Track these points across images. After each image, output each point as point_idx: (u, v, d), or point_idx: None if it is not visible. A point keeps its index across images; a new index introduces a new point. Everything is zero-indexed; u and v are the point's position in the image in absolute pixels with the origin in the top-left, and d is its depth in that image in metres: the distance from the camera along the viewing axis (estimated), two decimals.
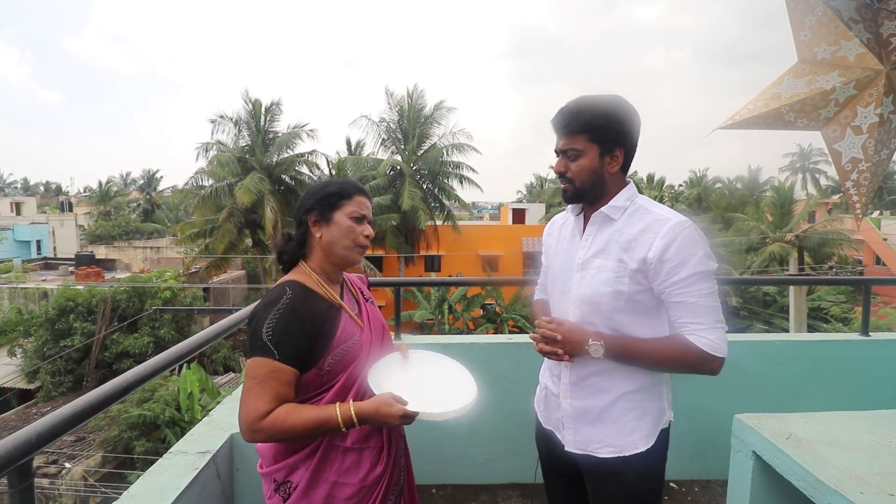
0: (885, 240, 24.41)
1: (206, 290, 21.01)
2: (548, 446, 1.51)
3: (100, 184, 42.08)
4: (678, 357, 1.28)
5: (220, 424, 1.70)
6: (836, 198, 41.89)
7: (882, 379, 2.54)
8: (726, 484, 2.66)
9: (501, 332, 17.98)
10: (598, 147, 1.30)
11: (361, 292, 1.40)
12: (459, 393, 1.30)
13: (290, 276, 1.26)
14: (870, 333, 2.78)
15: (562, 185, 1.38)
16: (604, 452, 1.36)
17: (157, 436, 11.21)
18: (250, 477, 1.66)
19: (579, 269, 1.36)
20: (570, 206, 1.47)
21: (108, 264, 26.52)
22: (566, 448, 1.42)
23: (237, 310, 1.89)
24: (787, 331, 17.55)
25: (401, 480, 1.33)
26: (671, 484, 2.69)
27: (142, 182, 46.75)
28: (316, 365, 1.18)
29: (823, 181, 47.14)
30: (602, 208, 1.34)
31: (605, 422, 1.36)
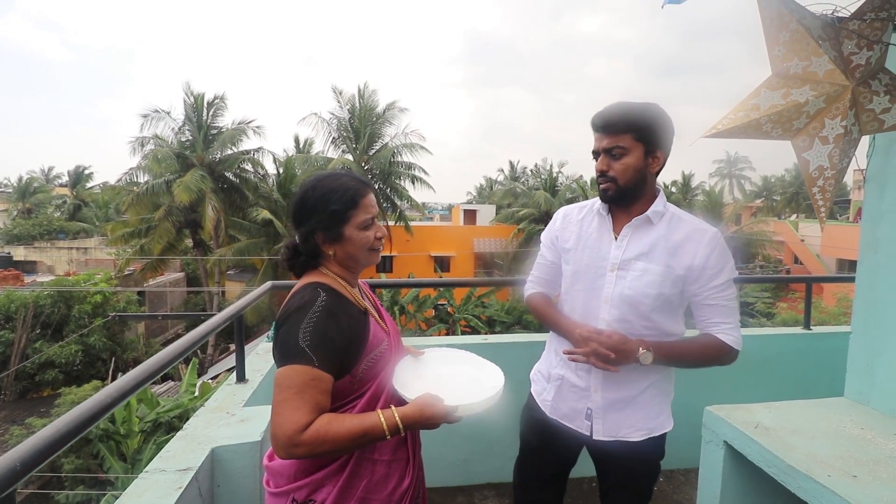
0: (802, 241, 26.67)
1: (140, 293, 19.74)
2: (548, 435, 1.55)
3: (20, 179, 38.46)
4: (713, 354, 1.41)
5: (197, 439, 1.59)
6: (758, 202, 45.33)
7: (823, 368, 2.76)
8: (688, 472, 2.82)
9: (454, 333, 18.06)
10: (643, 146, 1.36)
11: (374, 297, 1.35)
12: (486, 379, 1.28)
13: (314, 277, 1.17)
14: (811, 327, 3.02)
15: (601, 186, 1.41)
16: (636, 436, 1.45)
17: (88, 451, 10.35)
18: (232, 494, 1.57)
19: (615, 268, 1.41)
20: (599, 204, 1.49)
21: (28, 267, 24.31)
22: (595, 437, 1.46)
23: (212, 314, 1.78)
24: None
25: (419, 493, 1.29)
26: None
27: (67, 178, 43.14)
28: (350, 372, 1.12)
29: (748, 186, 50.86)
30: (646, 212, 1.40)
31: (635, 407, 1.44)
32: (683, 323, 1.47)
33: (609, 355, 1.32)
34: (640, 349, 1.33)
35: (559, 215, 1.60)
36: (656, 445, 1.47)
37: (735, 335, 1.41)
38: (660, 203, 1.41)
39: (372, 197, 1.21)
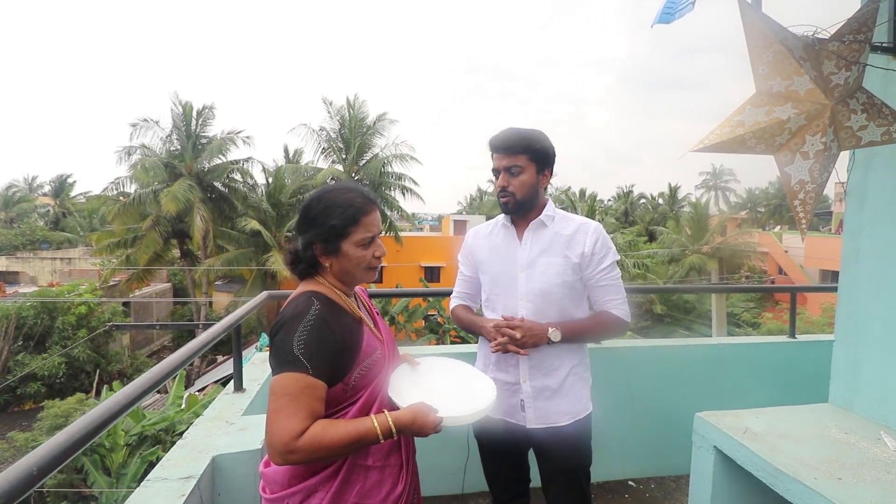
0: (786, 252, 27.15)
1: (126, 304, 19.45)
2: (498, 433, 1.69)
3: (6, 188, 37.84)
4: (609, 327, 1.64)
5: (198, 447, 1.60)
6: (743, 213, 46.09)
7: (808, 376, 2.83)
8: (679, 479, 2.86)
9: (444, 343, 18.04)
10: (535, 166, 1.60)
11: (371, 306, 1.38)
12: (478, 392, 1.33)
13: (310, 286, 1.20)
14: (796, 336, 3.10)
15: (502, 199, 1.60)
16: (565, 420, 1.64)
17: (71, 465, 10.12)
18: (232, 501, 1.58)
19: (524, 268, 1.62)
20: (501, 217, 1.71)
21: (10, 277, 23.87)
22: (528, 426, 1.62)
23: (210, 323, 1.79)
24: (707, 335, 18.98)
25: (414, 500, 1.31)
26: (630, 482, 2.84)
27: (50, 187, 42.44)
28: (343, 379, 1.14)
29: (733, 198, 51.70)
30: (539, 217, 1.63)
31: (561, 395, 1.64)
32: (587, 309, 1.68)
33: (517, 335, 1.50)
34: (550, 328, 1.53)
35: (470, 235, 1.83)
36: (584, 427, 1.67)
37: (624, 309, 1.64)
38: (550, 209, 1.65)
39: (376, 215, 1.23)
